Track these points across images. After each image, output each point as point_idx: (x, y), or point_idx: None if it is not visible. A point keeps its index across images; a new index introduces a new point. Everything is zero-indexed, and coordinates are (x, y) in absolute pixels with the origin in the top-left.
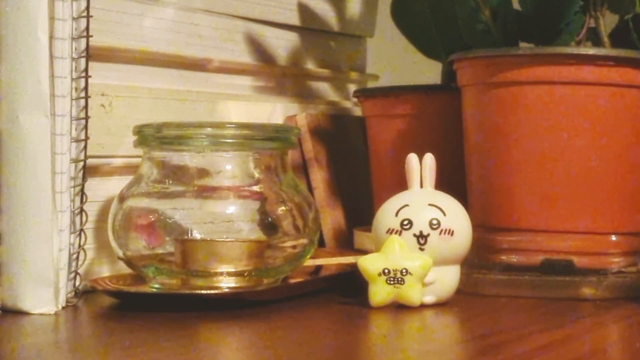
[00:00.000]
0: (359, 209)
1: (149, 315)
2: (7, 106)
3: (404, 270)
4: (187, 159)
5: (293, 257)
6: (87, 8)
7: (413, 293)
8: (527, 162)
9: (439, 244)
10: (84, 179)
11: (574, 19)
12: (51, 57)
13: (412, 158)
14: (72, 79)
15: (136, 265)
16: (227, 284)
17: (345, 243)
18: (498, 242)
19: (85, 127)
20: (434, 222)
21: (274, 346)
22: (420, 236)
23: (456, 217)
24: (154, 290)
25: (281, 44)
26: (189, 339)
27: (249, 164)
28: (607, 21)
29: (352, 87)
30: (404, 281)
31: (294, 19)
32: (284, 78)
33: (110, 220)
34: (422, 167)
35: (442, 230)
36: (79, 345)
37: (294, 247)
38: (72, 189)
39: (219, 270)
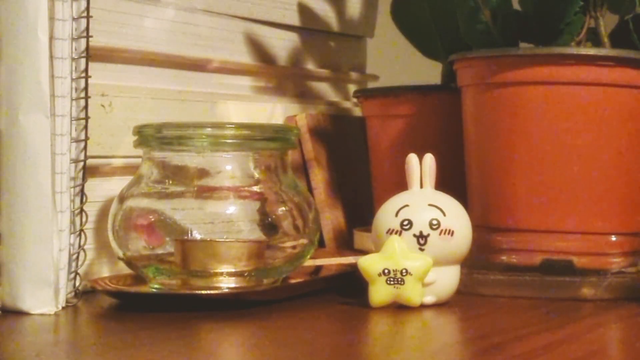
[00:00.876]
0: (359, 209)
1: (149, 316)
2: (7, 106)
3: (404, 271)
4: (187, 159)
5: (293, 258)
6: (87, 8)
7: (413, 293)
8: (527, 162)
9: (439, 244)
10: (84, 179)
11: (574, 19)
12: (51, 57)
13: (412, 158)
14: (72, 79)
15: (136, 265)
16: (227, 284)
17: (345, 243)
18: (498, 242)
19: (85, 127)
20: (434, 222)
21: (274, 346)
22: (420, 236)
23: (456, 217)
24: (154, 290)
25: (281, 44)
26: (189, 339)
27: (249, 164)
28: (607, 21)
29: (352, 88)
30: (404, 281)
31: (294, 19)
32: (284, 78)
33: (110, 221)
34: (422, 167)
35: (442, 230)
36: (78, 346)
37: (294, 247)
38: (72, 189)
39: (219, 270)
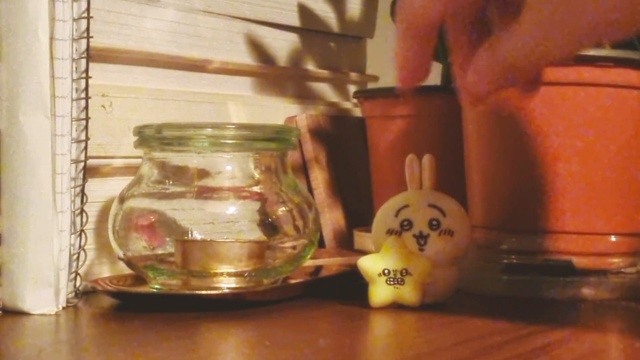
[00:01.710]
0: (359, 210)
1: (149, 316)
2: (7, 107)
3: (403, 271)
4: (188, 159)
5: (293, 258)
6: (88, 9)
7: (413, 293)
8: (528, 162)
9: (439, 244)
10: (84, 179)
11: None
12: (52, 57)
13: (412, 159)
14: (73, 80)
15: (136, 265)
16: (227, 284)
17: (345, 243)
18: (498, 242)
19: (86, 127)
20: (434, 222)
21: (274, 346)
22: (420, 237)
23: (456, 218)
24: (155, 290)
25: (281, 45)
26: (189, 339)
27: (249, 164)
28: None
29: (352, 88)
30: (403, 281)
31: (294, 20)
32: (284, 79)
33: (110, 221)
34: (421, 168)
35: (442, 230)
36: (79, 346)
37: (294, 247)
38: (73, 189)
39: (219, 270)
